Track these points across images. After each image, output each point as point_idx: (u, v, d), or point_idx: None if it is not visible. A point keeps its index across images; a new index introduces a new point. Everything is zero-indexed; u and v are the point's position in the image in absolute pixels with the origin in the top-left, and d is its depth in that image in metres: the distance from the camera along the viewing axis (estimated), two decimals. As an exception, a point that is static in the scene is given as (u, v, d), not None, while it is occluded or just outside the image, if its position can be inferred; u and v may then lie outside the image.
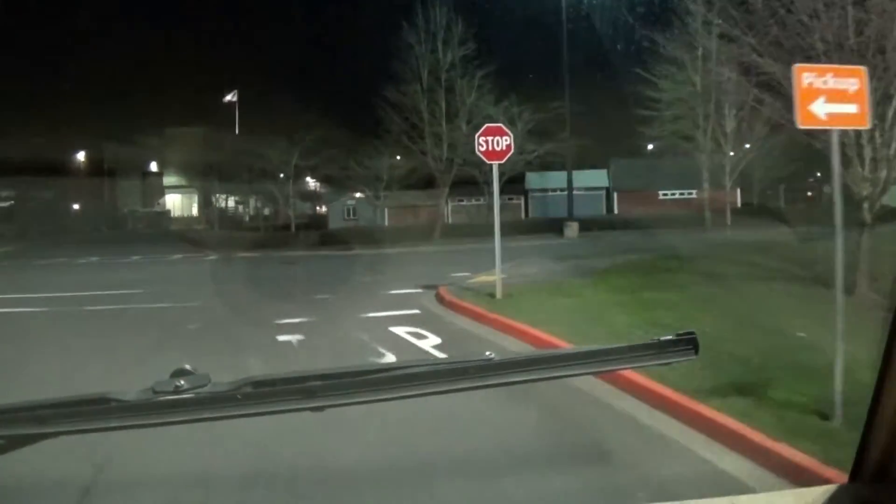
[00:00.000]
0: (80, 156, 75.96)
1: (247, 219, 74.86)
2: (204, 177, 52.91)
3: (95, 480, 5.44)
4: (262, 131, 46.38)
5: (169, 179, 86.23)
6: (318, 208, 70.40)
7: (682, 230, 33.49)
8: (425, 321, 13.66)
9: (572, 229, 38.44)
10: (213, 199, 56.50)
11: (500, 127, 16.06)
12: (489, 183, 46.73)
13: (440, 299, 16.38)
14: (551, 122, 41.11)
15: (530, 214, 54.54)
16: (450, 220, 50.57)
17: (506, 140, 15.72)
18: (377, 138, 42.93)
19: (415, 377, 1.33)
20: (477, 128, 37.13)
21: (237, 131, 63.42)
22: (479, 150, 15.76)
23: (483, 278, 18.14)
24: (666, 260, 20.65)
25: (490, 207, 46.12)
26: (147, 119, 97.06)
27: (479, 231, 40.53)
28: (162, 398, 1.19)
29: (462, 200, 51.68)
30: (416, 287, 18.39)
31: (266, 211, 57.23)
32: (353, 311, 14.74)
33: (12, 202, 69.39)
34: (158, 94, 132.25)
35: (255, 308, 15.89)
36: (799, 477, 5.23)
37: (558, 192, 51.40)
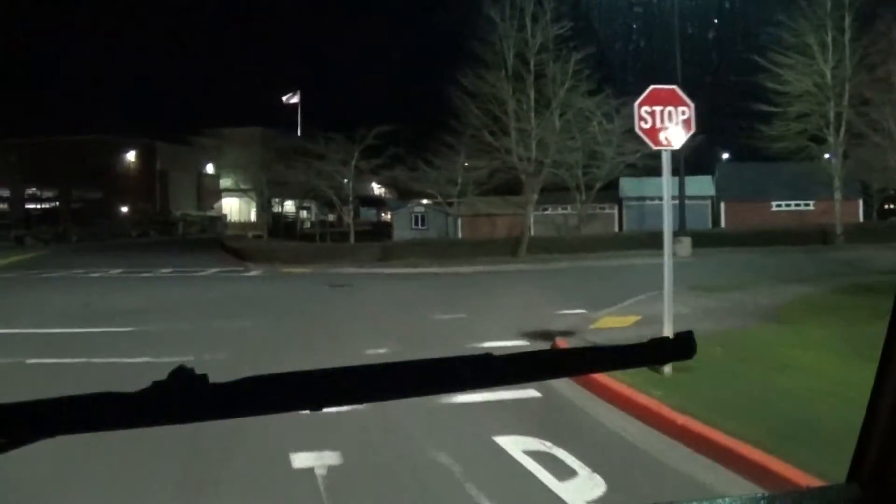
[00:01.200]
0: (131, 155, 71.64)
1: (307, 225, 70.50)
2: (262, 180, 47.27)
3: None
4: (323, 130, 40.68)
5: (225, 182, 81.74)
6: (382, 215, 66.32)
7: (811, 247, 30.33)
8: (552, 421, 7.53)
9: (684, 246, 31.62)
10: (271, 204, 51.16)
11: (672, 90, 9.78)
12: (583, 188, 41.02)
13: (563, 366, 10.05)
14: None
15: (625, 226, 47.90)
16: (532, 232, 44.43)
17: (683, 112, 9.51)
18: (451, 134, 36.94)
19: (414, 375, 1.31)
20: (569, 122, 30.22)
21: (299, 132, 58.51)
22: (639, 129, 9.51)
23: (611, 321, 13.07)
24: (864, 294, 14.08)
25: (582, 217, 40.91)
26: (203, 118, 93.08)
27: (572, 246, 34.88)
28: (161, 397, 1.16)
29: (546, 209, 45.30)
30: (516, 336, 12.23)
31: (327, 217, 52.55)
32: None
33: (55, 203, 65.53)
34: (216, 93, 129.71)
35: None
36: None
37: (657, 202, 44.97)
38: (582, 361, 1.54)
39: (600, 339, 11.31)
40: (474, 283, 23.10)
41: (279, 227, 56.65)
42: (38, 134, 66.05)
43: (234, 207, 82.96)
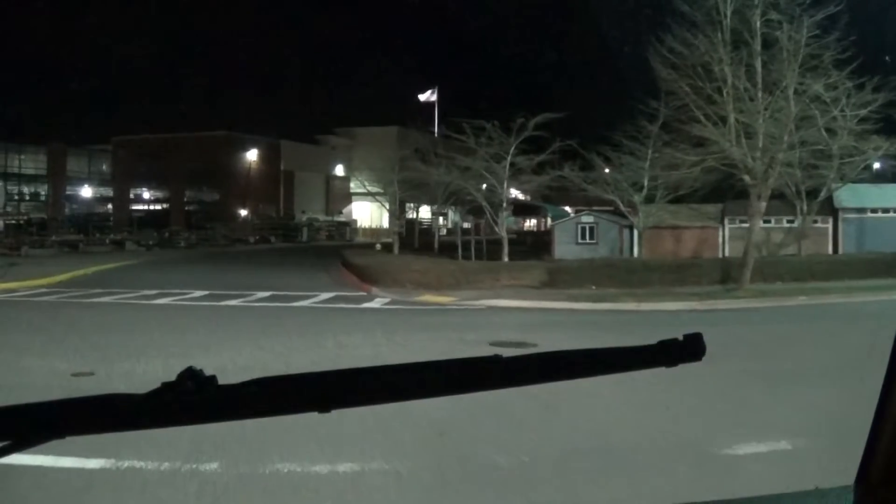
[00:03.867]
0: (253, 154, 65.37)
1: (442, 232, 63.23)
2: (396, 182, 39.27)
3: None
4: (464, 128, 31.94)
5: (356, 185, 75.13)
6: (543, 223, 58.36)
7: None
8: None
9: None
10: (405, 210, 43.05)
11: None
12: (804, 195, 31.20)
13: None
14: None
15: (841, 245, 37.22)
16: (726, 251, 34.70)
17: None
18: (635, 125, 28.11)
19: (423, 377, 1.32)
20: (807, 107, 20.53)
21: (435, 132, 50.79)
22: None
23: None
24: None
25: (805, 233, 31.23)
26: (334, 116, 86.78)
27: (795, 272, 25.82)
28: (169, 399, 1.15)
29: (744, 221, 35.36)
30: None
31: (465, 224, 45.12)
32: None
33: (166, 204, 59.68)
34: (347, 90, 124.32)
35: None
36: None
37: (881, 214, 34.90)
38: (593, 363, 1.50)
39: None
40: (721, 338, 13.81)
41: (413, 236, 48.69)
42: (150, 131, 60.83)
43: (366, 212, 76.53)
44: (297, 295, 21.44)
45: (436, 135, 51.85)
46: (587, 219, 35.32)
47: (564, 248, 34.53)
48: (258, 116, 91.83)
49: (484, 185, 33.32)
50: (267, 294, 21.66)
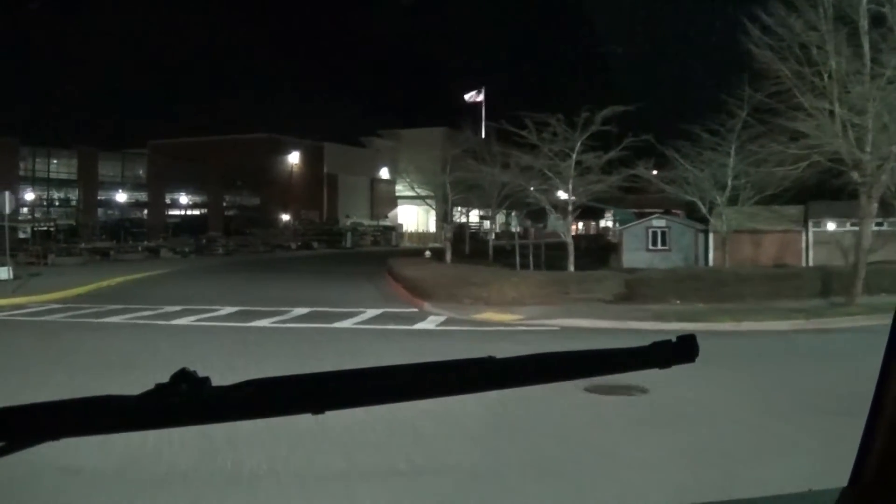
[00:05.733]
0: (295, 157, 62.86)
1: (491, 237, 60.44)
2: (445, 183, 36.24)
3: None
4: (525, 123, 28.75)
5: (402, 188, 72.54)
6: (610, 228, 56.45)
7: None
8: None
9: None
10: (454, 214, 39.98)
11: None
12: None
13: None
14: None
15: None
16: (810, 257, 31.29)
17: None
18: (725, 110, 24.95)
19: (416, 378, 1.33)
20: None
21: (483, 133, 48.04)
22: None
23: None
24: None
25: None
26: (378, 117, 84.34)
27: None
28: (163, 400, 1.15)
29: (826, 223, 32.01)
30: None
31: (515, 228, 42.24)
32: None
33: (204, 210, 57.20)
34: (391, 91, 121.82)
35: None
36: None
37: None
38: (586, 364, 1.50)
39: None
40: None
41: (462, 241, 45.70)
42: (189, 134, 58.74)
43: (411, 216, 73.98)
44: (338, 312, 18.60)
45: (483, 135, 49.02)
46: (658, 222, 32.06)
47: (633, 255, 31.37)
48: (299, 118, 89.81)
49: (531, 186, 30.34)
50: (304, 311, 18.86)
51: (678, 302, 20.31)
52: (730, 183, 26.63)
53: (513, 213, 44.32)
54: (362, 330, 15.96)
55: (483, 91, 72.85)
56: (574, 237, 45.32)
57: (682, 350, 1.40)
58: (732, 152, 26.05)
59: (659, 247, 31.68)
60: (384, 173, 73.42)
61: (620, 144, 27.27)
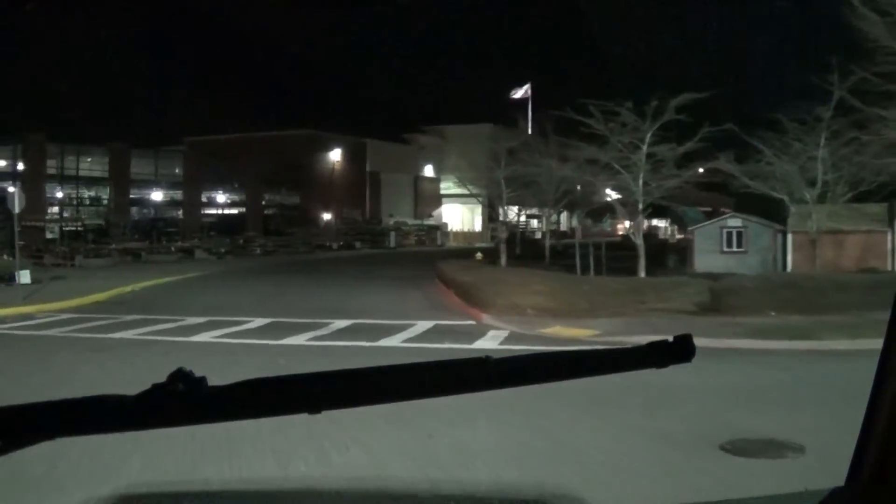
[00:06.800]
0: (336, 154, 60.60)
1: (537, 236, 57.89)
2: (503, 181, 33.42)
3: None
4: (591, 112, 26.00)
5: (447, 186, 70.14)
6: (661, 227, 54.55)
7: None
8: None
9: None
10: (506, 212, 37.16)
11: None
12: None
13: None
14: None
15: None
16: (897, 261, 28.40)
17: None
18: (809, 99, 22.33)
19: (412, 378, 1.31)
20: None
21: (529, 130, 45.52)
22: None
23: None
24: None
25: None
26: (421, 113, 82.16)
27: None
28: (159, 400, 1.15)
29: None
30: None
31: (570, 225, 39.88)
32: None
33: (241, 209, 55.01)
34: (435, 86, 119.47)
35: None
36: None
37: None
38: (580, 364, 1.46)
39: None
40: None
41: (513, 242, 42.99)
42: (227, 131, 56.73)
43: (456, 215, 71.59)
44: (384, 326, 16.14)
45: (530, 132, 46.49)
46: (734, 222, 29.12)
47: (707, 258, 28.51)
48: (340, 114, 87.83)
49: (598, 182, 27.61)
50: (345, 324, 16.43)
51: (773, 314, 17.54)
52: (820, 178, 23.75)
53: (564, 213, 41.62)
54: (414, 350, 13.39)
55: (529, 87, 70.74)
56: (624, 237, 42.43)
57: (679, 350, 1.35)
58: (822, 142, 23.22)
59: (734, 248, 28.81)
60: (428, 171, 71.09)
61: (696, 135, 24.47)
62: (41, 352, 13.09)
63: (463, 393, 1.32)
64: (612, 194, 27.75)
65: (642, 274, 24.41)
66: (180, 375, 1.13)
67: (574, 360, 1.42)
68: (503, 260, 31.66)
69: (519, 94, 71.72)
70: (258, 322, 16.72)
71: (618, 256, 28.63)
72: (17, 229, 20.01)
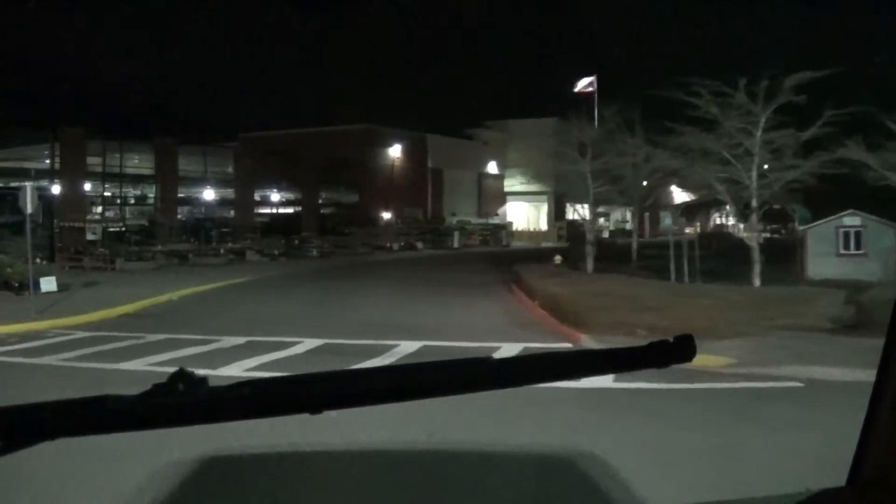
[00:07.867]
0: (396, 150, 57.67)
1: (604, 235, 54.51)
2: (590, 175, 29.84)
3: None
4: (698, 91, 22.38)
5: (511, 183, 66.93)
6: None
7: None
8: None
9: None
10: (586, 210, 33.63)
11: None
12: None
13: None
14: None
15: None
16: None
17: None
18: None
19: (414, 378, 1.31)
20: None
21: (596, 124, 42.05)
22: None
23: None
24: None
25: None
26: (484, 108, 79.39)
27: None
28: (160, 400, 1.15)
29: None
30: None
31: (628, 225, 36.46)
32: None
33: (296, 208, 52.28)
34: (498, 80, 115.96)
35: None
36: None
37: None
38: (583, 364, 1.50)
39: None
40: None
41: (584, 241, 39.56)
42: (283, 127, 54.18)
43: (520, 213, 68.45)
44: (461, 349, 13.10)
45: (596, 125, 43.11)
46: (852, 220, 25.29)
47: (821, 262, 24.80)
48: (400, 109, 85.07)
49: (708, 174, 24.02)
50: (413, 347, 13.38)
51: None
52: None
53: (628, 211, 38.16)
54: (508, 391, 10.17)
55: (594, 80, 67.40)
56: (707, 235, 38.34)
57: (679, 350, 1.34)
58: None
59: (852, 251, 25.02)
60: (492, 167, 67.86)
61: (821, 118, 20.82)
62: (22, 390, 10.06)
63: (464, 393, 1.29)
64: (685, 193, 24.09)
65: (757, 282, 20.85)
66: (181, 375, 1.11)
67: (579, 360, 1.47)
68: (590, 264, 28.15)
69: (584, 86, 68.53)
70: (308, 344, 13.72)
71: (709, 257, 25.63)
72: (28, 229, 17.37)
